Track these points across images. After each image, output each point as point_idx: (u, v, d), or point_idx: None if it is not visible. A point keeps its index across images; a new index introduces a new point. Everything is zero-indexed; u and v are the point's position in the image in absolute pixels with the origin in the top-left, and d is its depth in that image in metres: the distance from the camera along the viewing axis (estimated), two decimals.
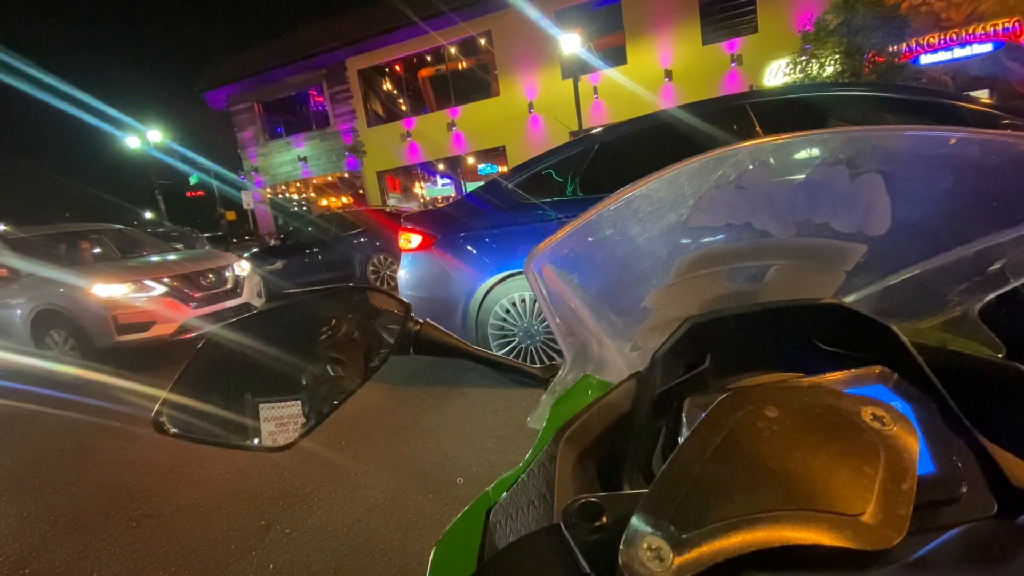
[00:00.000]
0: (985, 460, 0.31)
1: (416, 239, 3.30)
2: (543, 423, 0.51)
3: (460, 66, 16.44)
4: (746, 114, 2.86)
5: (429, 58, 16.66)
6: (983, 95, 9.93)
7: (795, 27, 11.08)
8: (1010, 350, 0.45)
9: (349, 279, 8.31)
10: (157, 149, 18.46)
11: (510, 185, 3.20)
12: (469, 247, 3.18)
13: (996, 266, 0.48)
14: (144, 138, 17.95)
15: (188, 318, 4.79)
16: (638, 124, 3.17)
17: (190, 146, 20.71)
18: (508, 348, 3.13)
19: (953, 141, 0.46)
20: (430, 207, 16.16)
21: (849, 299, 0.52)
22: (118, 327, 4.57)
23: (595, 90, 14.12)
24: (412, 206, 16.66)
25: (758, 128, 2.80)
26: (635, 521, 0.23)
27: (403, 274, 3.38)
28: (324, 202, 19.82)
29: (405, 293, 3.33)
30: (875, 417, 0.28)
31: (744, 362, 0.43)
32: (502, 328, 3.12)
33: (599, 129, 3.55)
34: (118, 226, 6.37)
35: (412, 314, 0.63)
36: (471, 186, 15.15)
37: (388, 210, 10.19)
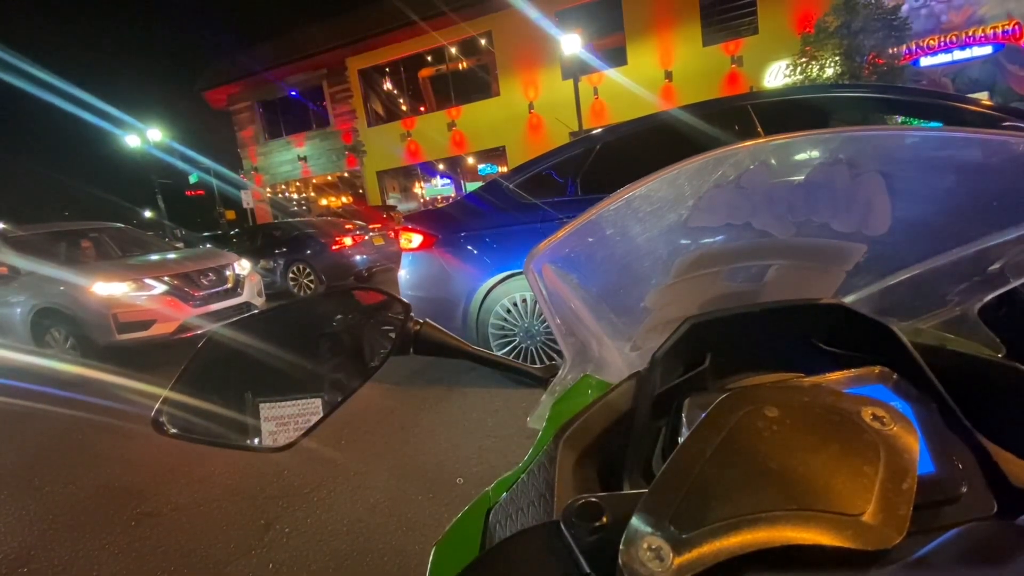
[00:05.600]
0: (985, 460, 0.31)
1: (416, 239, 3.30)
2: (543, 423, 0.50)
3: (460, 66, 16.44)
4: (747, 115, 2.85)
5: (429, 58, 16.66)
6: (983, 97, 9.94)
7: (795, 29, 11.10)
8: (1010, 350, 0.45)
9: (271, 285, 8.41)
10: (157, 148, 18.44)
11: (510, 185, 3.20)
12: (469, 247, 3.17)
13: (996, 266, 0.48)
14: (144, 137, 17.91)
15: (188, 317, 4.79)
16: (638, 125, 3.16)
17: (190, 145, 20.67)
18: (508, 348, 3.13)
19: (953, 141, 0.47)
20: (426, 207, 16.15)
21: (849, 299, 0.52)
22: (118, 325, 4.57)
23: (595, 91, 14.13)
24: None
25: (759, 129, 2.80)
26: (635, 521, 0.23)
27: (403, 274, 3.37)
28: (324, 202, 19.83)
29: (405, 293, 3.32)
30: (875, 417, 0.27)
31: (744, 362, 0.43)
32: (502, 328, 3.12)
33: (599, 130, 3.55)
34: (118, 224, 6.36)
35: (412, 314, 0.63)
36: (471, 186, 15.15)
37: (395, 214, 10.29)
